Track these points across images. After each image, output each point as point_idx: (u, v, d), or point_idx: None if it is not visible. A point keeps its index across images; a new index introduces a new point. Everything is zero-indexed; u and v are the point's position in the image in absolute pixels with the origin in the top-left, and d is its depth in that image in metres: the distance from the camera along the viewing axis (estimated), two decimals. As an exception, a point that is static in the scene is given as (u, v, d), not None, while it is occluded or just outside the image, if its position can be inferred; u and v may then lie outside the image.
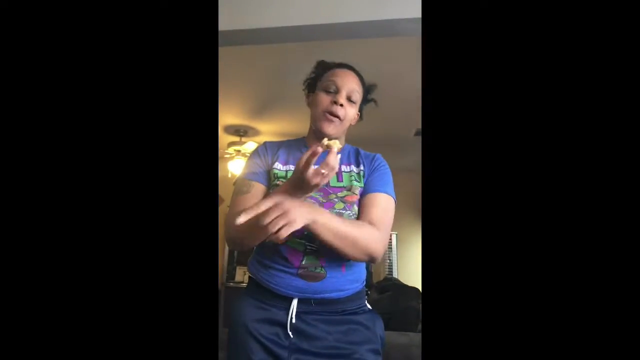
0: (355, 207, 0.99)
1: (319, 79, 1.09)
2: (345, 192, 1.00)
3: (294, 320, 0.93)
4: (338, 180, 1.03)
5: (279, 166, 1.06)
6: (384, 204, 1.00)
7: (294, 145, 1.12)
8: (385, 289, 3.04)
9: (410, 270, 4.59)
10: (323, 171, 0.78)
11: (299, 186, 0.82)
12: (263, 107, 3.37)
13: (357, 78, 1.07)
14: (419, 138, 3.50)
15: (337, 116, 1.02)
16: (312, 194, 0.93)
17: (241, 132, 3.90)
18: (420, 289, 2.68)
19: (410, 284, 3.10)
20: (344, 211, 0.98)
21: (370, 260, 0.95)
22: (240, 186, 1.04)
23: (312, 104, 1.08)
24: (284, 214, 0.73)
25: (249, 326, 0.95)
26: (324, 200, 0.98)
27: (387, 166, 1.08)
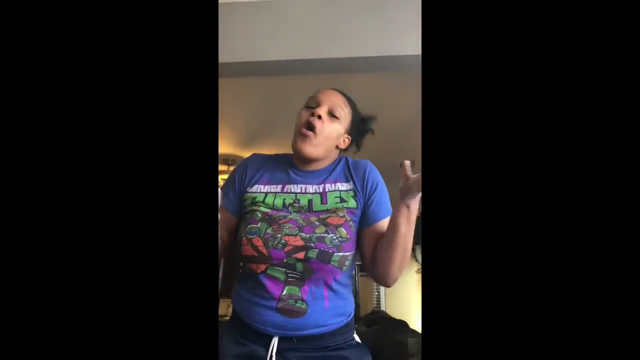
0: (343, 231, 0.90)
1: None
2: (328, 215, 0.92)
3: (274, 359, 0.87)
4: (322, 203, 0.95)
5: (259, 188, 0.99)
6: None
7: (280, 164, 1.04)
8: (373, 322, 2.98)
9: (398, 304, 4.51)
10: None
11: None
12: (253, 138, 3.39)
13: (342, 96, 1.01)
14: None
15: (312, 128, 0.95)
16: (290, 216, 0.92)
17: (229, 161, 3.89)
18: (409, 322, 2.64)
19: (398, 317, 3.05)
20: (325, 234, 0.89)
21: (388, 283, 0.93)
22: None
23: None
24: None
25: None
26: (304, 224, 0.90)
27: (380, 177, 1.01)
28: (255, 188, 0.99)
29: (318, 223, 0.90)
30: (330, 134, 0.97)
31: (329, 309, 0.91)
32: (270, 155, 1.08)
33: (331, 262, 0.89)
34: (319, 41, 1.75)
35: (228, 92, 2.58)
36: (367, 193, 0.97)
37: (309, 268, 0.88)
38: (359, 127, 1.06)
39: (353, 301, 1.00)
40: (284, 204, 0.95)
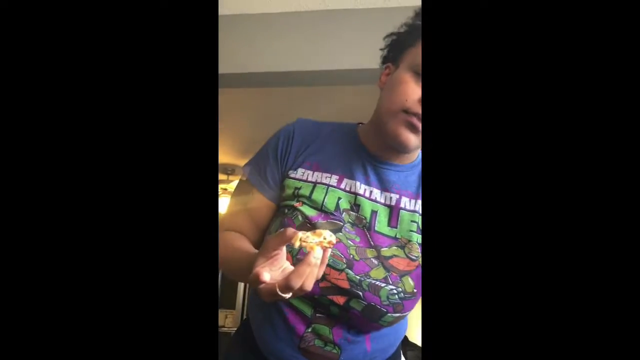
0: (410, 283, 0.59)
1: (411, 45, 0.63)
2: (395, 250, 0.61)
3: None
4: (389, 224, 0.63)
5: (306, 174, 0.67)
6: None
7: (341, 142, 0.70)
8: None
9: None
10: (291, 284, 0.47)
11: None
12: (252, 147, 3.41)
13: None
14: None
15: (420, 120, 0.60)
16: (340, 234, 0.61)
17: (229, 170, 3.90)
18: (408, 336, 2.61)
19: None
20: (383, 284, 0.59)
21: None
22: (241, 190, 0.70)
23: (388, 86, 0.64)
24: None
25: None
26: (357, 257, 0.60)
27: None
28: (301, 173, 0.67)
29: (377, 262, 0.60)
30: None
31: (372, 351, 0.66)
32: (324, 125, 0.72)
33: (380, 322, 0.62)
34: (319, 52, 1.76)
35: (228, 102, 2.60)
36: None
37: (347, 318, 0.63)
38: None
39: (407, 323, 0.72)
40: (337, 205, 0.65)
